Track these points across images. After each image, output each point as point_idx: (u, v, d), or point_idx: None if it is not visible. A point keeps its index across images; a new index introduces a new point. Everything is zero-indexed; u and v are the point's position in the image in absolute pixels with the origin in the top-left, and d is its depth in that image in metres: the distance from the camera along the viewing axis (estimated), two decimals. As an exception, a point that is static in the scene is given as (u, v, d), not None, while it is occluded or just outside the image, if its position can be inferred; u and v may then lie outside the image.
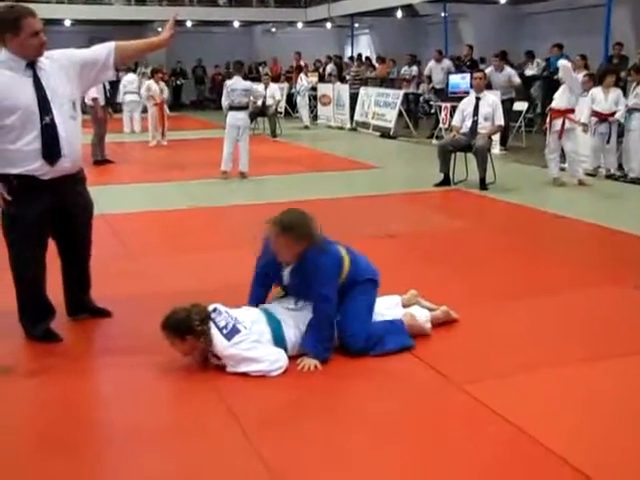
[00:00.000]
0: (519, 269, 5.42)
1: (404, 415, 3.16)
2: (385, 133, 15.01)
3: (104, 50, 4.05)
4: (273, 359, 3.53)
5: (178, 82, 24.56)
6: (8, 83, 3.71)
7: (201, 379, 3.52)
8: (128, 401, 3.36)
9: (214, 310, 3.62)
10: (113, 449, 2.98)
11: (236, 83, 9.69)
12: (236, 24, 25.23)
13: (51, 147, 3.76)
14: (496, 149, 11.35)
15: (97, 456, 2.93)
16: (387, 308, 4.01)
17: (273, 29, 25.70)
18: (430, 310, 4.13)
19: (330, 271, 3.67)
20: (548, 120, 9.24)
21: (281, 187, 8.72)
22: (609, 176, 9.37)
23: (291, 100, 20.56)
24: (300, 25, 25.22)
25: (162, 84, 14.44)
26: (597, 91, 9.31)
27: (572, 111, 8.91)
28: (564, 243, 6.24)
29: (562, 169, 9.09)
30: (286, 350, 3.63)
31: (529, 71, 15.44)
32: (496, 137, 10.66)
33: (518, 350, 3.82)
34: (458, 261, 5.63)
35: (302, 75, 18.29)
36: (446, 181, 8.90)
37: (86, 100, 10.87)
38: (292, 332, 3.69)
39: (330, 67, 21.28)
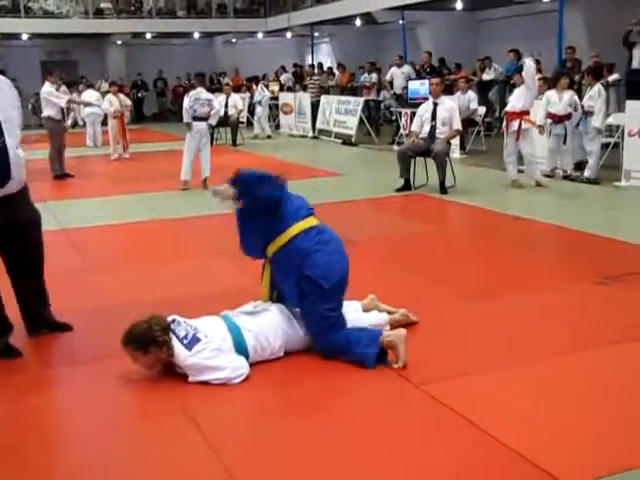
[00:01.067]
0: (481, 270, 5.52)
1: (363, 417, 3.19)
2: (347, 140, 15.10)
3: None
4: (235, 366, 3.54)
5: (139, 94, 24.42)
6: None
7: (163, 389, 3.51)
8: (88, 414, 3.34)
9: (173, 321, 3.62)
10: (69, 460, 2.97)
11: (200, 93, 9.92)
12: (196, 35, 25.20)
13: (2, 171, 3.77)
14: (456, 153, 11.51)
15: (55, 469, 2.92)
16: (348, 313, 4.04)
17: (233, 39, 25.69)
18: (389, 313, 4.18)
19: None
20: (505, 123, 9.39)
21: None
22: (566, 177, 9.55)
23: (252, 110, 20.60)
24: (260, 35, 25.28)
25: (122, 96, 14.33)
26: (551, 93, 9.50)
27: (527, 113, 9.09)
28: (524, 244, 6.35)
29: (520, 171, 9.24)
30: (247, 356, 3.65)
31: (486, 76, 15.68)
32: (455, 141, 10.82)
33: (478, 349, 3.88)
34: (419, 264, 5.69)
35: (261, 85, 18.32)
36: (407, 186, 8.99)
37: (42, 115, 10.84)
38: (252, 336, 3.68)
39: (285, 77, 21.46)
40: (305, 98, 17.28)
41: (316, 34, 23.32)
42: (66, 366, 3.90)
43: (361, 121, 15.28)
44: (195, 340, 3.53)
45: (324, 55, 24.70)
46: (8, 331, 4.04)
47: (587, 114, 9.33)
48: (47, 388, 3.71)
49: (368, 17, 18.99)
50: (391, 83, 15.71)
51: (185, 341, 3.53)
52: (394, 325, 4.08)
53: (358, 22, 20.21)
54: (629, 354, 3.78)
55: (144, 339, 3.50)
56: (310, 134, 16.87)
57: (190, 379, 3.53)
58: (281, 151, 14.40)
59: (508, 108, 9.26)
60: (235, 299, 4.09)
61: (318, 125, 16.66)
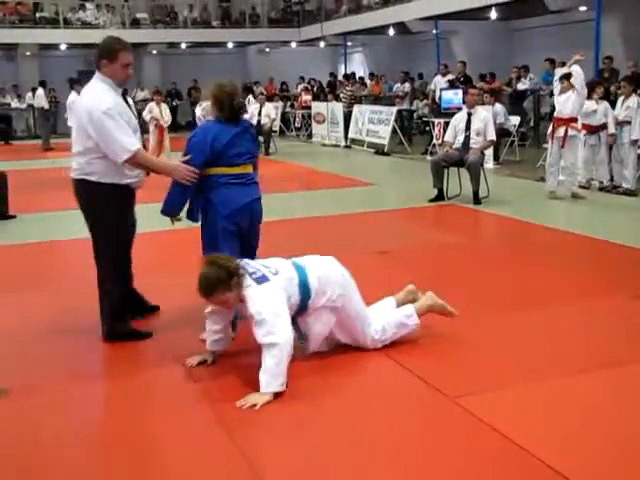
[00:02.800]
0: (514, 282, 5.46)
1: (396, 429, 3.17)
2: (379, 150, 15.09)
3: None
4: (287, 337, 3.52)
5: (174, 103, 24.68)
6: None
7: (194, 398, 3.55)
8: (123, 412, 3.39)
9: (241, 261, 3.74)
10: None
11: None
12: (230, 45, 25.43)
13: None
14: (489, 163, 11.43)
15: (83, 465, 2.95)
16: (381, 309, 4.15)
17: (267, 49, 25.89)
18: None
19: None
20: (551, 129, 9.07)
21: (276, 206, 8.76)
22: (602, 188, 9.42)
23: (285, 118, 20.74)
24: (294, 44, 25.43)
25: (163, 105, 14.16)
26: (588, 104, 9.38)
27: (575, 120, 8.89)
28: (559, 256, 6.28)
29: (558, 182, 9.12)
30: (310, 297, 3.75)
31: (522, 85, 15.57)
32: (489, 151, 10.74)
33: (513, 362, 3.84)
34: (452, 275, 5.66)
35: (250, 98, 15.90)
36: (440, 196, 8.95)
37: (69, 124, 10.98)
38: (316, 278, 3.79)
39: (301, 87, 21.61)
40: (338, 107, 17.32)
41: (349, 43, 23.41)
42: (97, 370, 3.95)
43: (394, 131, 15.26)
44: (264, 278, 3.62)
45: (357, 64, 24.77)
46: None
47: (622, 124, 9.20)
48: (76, 389, 3.76)
49: (401, 27, 19.01)
50: (434, 92, 15.57)
51: (254, 276, 3.62)
52: (429, 312, 4.21)
53: (391, 32, 20.24)
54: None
55: (226, 275, 3.55)
56: (342, 143, 16.90)
57: (256, 331, 3.52)
58: (313, 160, 14.43)
59: (556, 113, 8.96)
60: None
61: (351, 135, 16.68)
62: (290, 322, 3.60)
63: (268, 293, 3.57)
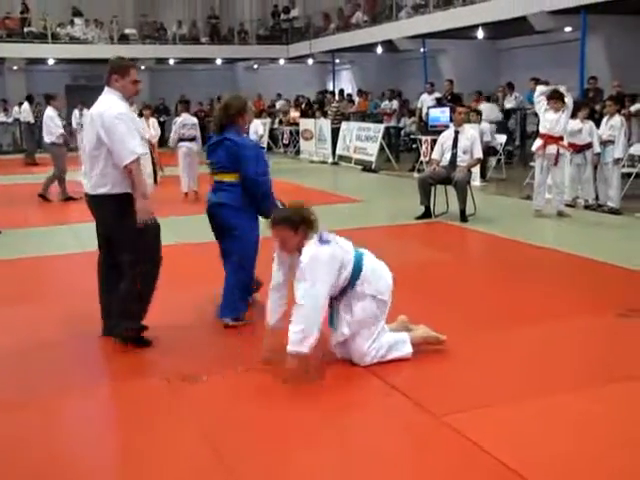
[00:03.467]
0: (502, 299, 5.47)
1: (381, 447, 3.15)
2: (367, 167, 15.14)
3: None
4: (321, 303, 3.78)
5: (161, 119, 24.68)
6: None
7: (185, 417, 3.52)
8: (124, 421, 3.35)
9: None
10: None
11: (185, 120, 11.35)
12: (218, 61, 25.50)
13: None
14: (476, 181, 11.49)
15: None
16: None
17: (255, 65, 25.99)
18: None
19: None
20: (539, 146, 8.97)
21: (263, 222, 8.75)
22: (587, 206, 9.49)
23: (273, 135, 20.79)
24: (282, 61, 25.54)
25: (152, 121, 13.89)
26: (573, 123, 9.46)
27: (562, 139, 8.95)
28: (546, 273, 6.31)
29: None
30: (358, 277, 3.94)
31: (508, 104, 15.70)
32: (476, 169, 10.80)
33: (501, 380, 3.84)
34: (438, 292, 5.67)
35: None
36: (427, 214, 8.97)
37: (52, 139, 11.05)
38: (370, 266, 4.02)
39: (279, 103, 21.78)
40: (326, 124, 17.38)
41: (337, 61, 23.53)
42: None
43: (381, 148, 15.32)
44: (327, 241, 3.88)
45: (345, 81, 24.90)
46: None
47: (606, 143, 9.29)
48: (67, 403, 3.72)
49: (389, 45, 19.15)
50: (420, 109, 15.66)
51: (321, 236, 3.89)
52: (422, 343, 4.23)
53: (379, 50, 20.37)
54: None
55: (299, 218, 3.88)
56: (330, 160, 16.94)
57: (296, 278, 3.80)
58: (301, 177, 14.44)
59: (546, 131, 8.91)
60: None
61: (338, 151, 16.74)
62: (326, 293, 3.80)
63: (323, 256, 3.80)
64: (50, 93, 12.07)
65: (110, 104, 4.28)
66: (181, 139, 11.16)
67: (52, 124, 11.15)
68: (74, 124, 21.54)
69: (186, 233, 7.99)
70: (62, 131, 11.39)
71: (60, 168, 11.23)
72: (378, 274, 4.07)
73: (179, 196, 11.21)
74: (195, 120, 11.63)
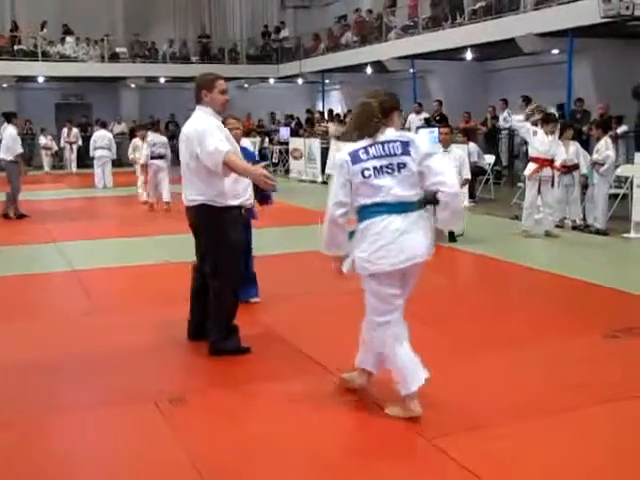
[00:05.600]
0: (490, 321, 5.48)
1: (373, 471, 3.14)
2: (356, 186, 15.13)
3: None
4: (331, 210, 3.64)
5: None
6: None
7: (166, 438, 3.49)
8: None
9: None
10: None
11: (155, 139, 12.24)
12: (209, 80, 25.55)
13: None
14: (465, 201, 11.52)
15: None
16: None
17: (246, 85, 26.08)
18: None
19: None
20: (534, 169, 8.99)
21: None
22: (575, 227, 9.55)
23: (262, 154, 20.80)
24: (272, 81, 25.65)
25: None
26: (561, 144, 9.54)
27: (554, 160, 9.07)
28: (534, 294, 6.32)
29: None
30: None
31: (504, 123, 15.67)
32: (464, 190, 10.83)
33: (490, 403, 3.83)
34: (425, 314, 5.63)
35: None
36: (416, 233, 8.96)
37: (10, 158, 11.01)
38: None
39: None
40: (315, 143, 17.43)
41: (327, 81, 23.65)
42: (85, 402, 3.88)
43: (370, 167, 15.34)
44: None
45: (334, 101, 25.00)
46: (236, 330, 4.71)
47: (595, 165, 9.37)
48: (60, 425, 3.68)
49: (379, 65, 19.27)
50: (409, 129, 15.75)
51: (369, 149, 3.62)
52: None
53: (369, 70, 20.50)
54: (641, 411, 3.73)
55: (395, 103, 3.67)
56: (319, 179, 16.98)
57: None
58: (290, 196, 14.44)
59: (539, 154, 8.94)
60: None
61: (328, 170, 16.75)
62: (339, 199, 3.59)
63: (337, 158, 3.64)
64: (9, 112, 12.21)
65: (202, 120, 4.51)
66: (152, 157, 12.04)
67: (12, 142, 11.10)
68: (62, 142, 21.56)
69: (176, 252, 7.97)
70: (21, 150, 11.39)
71: (15, 187, 11.22)
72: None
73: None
74: (164, 139, 12.58)
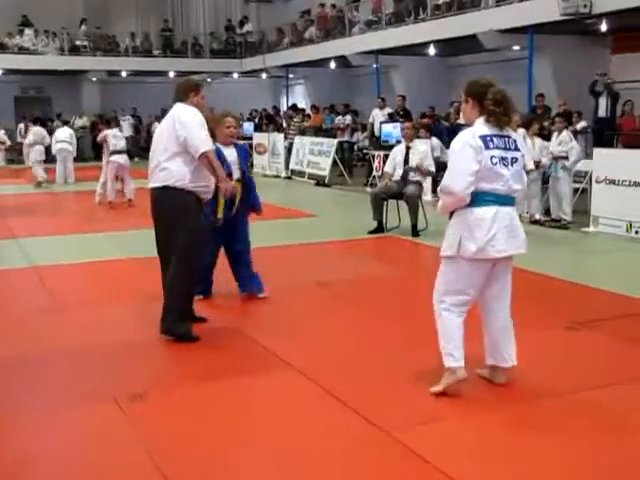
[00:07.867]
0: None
1: (332, 464, 3.15)
2: (320, 181, 15.20)
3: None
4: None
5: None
6: None
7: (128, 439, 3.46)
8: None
9: None
10: None
11: (116, 132, 12.36)
12: (171, 74, 25.33)
13: None
14: (428, 196, 11.60)
15: None
16: None
17: (209, 79, 25.89)
18: None
19: None
20: None
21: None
22: (534, 221, 9.67)
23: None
24: (236, 75, 25.51)
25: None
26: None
27: None
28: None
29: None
30: None
31: (461, 120, 15.89)
32: (427, 184, 10.93)
33: (449, 395, 3.84)
34: (387, 307, 5.70)
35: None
36: (380, 228, 9.04)
37: None
38: None
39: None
40: (279, 138, 17.39)
41: (291, 75, 23.61)
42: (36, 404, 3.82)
43: (334, 162, 15.40)
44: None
45: (298, 96, 24.98)
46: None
47: (557, 159, 9.50)
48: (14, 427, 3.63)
49: (342, 60, 19.30)
50: (372, 124, 15.78)
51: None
52: None
53: (332, 65, 20.53)
54: (602, 401, 3.80)
55: (484, 91, 3.72)
56: (283, 174, 16.95)
57: None
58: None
59: None
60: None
61: (292, 166, 16.76)
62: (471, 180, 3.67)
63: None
64: None
65: (186, 109, 4.76)
66: (114, 151, 11.94)
67: None
68: (19, 138, 20.97)
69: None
70: None
71: None
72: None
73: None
74: (120, 134, 12.71)
